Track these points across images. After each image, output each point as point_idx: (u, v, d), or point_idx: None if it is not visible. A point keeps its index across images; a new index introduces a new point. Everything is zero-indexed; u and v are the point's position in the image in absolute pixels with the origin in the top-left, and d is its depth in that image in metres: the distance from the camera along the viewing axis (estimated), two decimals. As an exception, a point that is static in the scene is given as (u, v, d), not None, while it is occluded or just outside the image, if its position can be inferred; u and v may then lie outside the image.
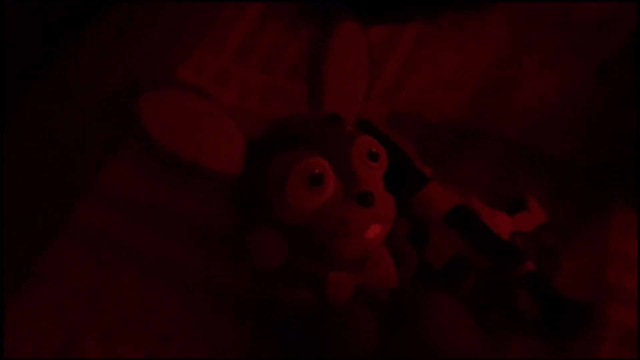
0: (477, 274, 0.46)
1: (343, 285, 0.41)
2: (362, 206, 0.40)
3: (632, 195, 0.51)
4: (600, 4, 0.61)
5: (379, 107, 0.57)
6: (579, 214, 0.51)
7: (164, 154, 0.40)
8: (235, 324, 0.47)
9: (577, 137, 0.55)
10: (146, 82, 0.41)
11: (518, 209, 0.49)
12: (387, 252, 0.43)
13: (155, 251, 0.50)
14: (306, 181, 0.39)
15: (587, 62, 0.58)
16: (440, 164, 0.51)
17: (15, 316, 0.47)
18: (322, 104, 0.44)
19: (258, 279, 0.45)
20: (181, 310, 0.48)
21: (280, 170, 0.40)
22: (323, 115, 0.44)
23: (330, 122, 0.43)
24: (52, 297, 0.49)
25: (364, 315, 0.41)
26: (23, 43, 0.61)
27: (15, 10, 0.61)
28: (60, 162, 0.54)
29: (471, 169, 0.53)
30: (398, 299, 0.42)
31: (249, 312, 0.46)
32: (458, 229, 0.46)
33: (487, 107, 0.57)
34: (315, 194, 0.40)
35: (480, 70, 0.59)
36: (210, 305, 0.48)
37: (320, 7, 0.62)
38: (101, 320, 0.48)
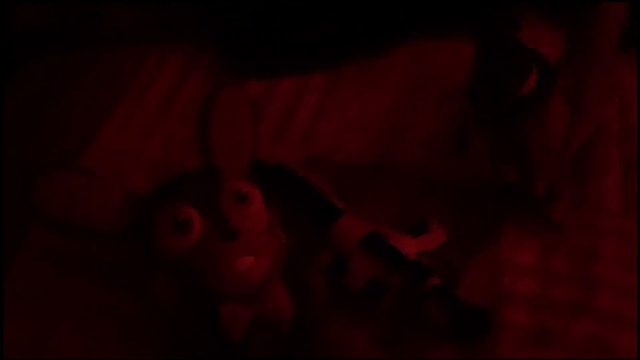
0: (393, 292, 0.52)
1: (237, 318, 0.46)
2: (226, 241, 0.45)
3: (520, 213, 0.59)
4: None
5: (294, 152, 0.63)
6: (475, 232, 0.58)
7: (56, 223, 0.48)
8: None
9: (469, 167, 0.62)
10: (40, 167, 0.49)
11: (421, 232, 0.56)
12: (281, 284, 0.48)
13: (91, 300, 0.53)
14: (171, 227, 0.45)
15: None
16: (351, 199, 0.57)
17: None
18: (212, 156, 0.51)
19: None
20: (121, 357, 0.51)
21: (153, 220, 0.46)
22: (202, 168, 0.51)
23: (207, 173, 0.50)
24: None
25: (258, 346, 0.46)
26: None
27: None
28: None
29: (379, 201, 0.60)
30: (299, 328, 0.47)
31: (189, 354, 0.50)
32: (371, 254, 0.52)
33: (388, 146, 0.64)
34: (180, 238, 0.45)
35: (380, 113, 0.66)
36: (149, 349, 0.51)
37: (238, 60, 0.68)
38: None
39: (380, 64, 0.70)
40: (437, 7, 0.70)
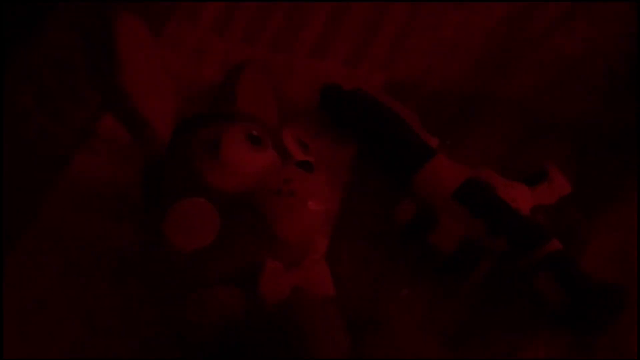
0: (493, 259, 0.42)
1: (279, 280, 0.38)
2: (304, 170, 0.39)
3: None
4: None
5: (376, 74, 0.53)
6: (605, 187, 0.47)
7: (119, 88, 0.38)
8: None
9: (600, 99, 0.50)
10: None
11: (538, 180, 0.44)
12: (325, 264, 0.41)
13: (127, 251, 0.46)
14: (245, 141, 0.39)
15: (612, 12, 0.53)
16: (447, 135, 0.47)
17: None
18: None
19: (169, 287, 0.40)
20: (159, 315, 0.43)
21: (214, 133, 0.39)
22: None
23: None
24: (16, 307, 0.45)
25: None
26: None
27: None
28: (23, 159, 0.50)
29: (482, 139, 0.49)
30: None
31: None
32: (470, 207, 0.41)
33: (496, 69, 0.53)
34: (256, 153, 0.39)
35: (487, 27, 0.54)
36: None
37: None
38: (70, 331, 0.44)
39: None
40: None
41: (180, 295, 0.38)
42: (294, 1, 0.56)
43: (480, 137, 0.49)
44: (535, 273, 0.40)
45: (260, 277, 0.37)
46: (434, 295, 0.43)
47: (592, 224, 0.45)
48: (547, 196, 0.44)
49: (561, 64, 0.53)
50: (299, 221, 0.38)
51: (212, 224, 0.37)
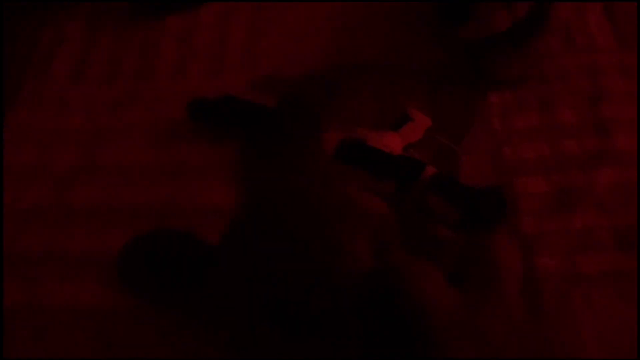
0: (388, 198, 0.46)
1: None
2: None
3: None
4: None
5: (237, 78, 0.56)
6: (460, 109, 0.52)
7: None
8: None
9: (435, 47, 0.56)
10: None
11: (403, 123, 0.50)
12: None
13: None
14: None
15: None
16: (322, 109, 0.51)
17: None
18: None
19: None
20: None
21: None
22: None
23: None
24: None
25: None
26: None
27: None
28: None
29: (353, 104, 0.53)
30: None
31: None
32: (350, 163, 0.46)
33: (346, 45, 0.58)
34: None
35: (326, 12, 0.60)
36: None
37: (151, 5, 0.61)
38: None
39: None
40: None
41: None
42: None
43: (350, 102, 0.53)
44: (425, 199, 0.45)
45: None
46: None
47: (459, 142, 0.50)
48: (413, 134, 0.49)
49: (395, 26, 0.58)
50: None
51: None
